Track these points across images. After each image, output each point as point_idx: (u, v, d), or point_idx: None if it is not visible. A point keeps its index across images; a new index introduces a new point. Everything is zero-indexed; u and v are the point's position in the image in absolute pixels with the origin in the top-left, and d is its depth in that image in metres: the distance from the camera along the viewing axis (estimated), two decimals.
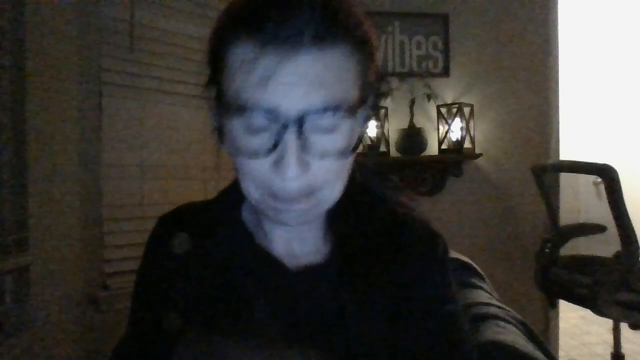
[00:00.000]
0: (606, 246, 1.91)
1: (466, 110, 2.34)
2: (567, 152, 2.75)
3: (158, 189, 1.73)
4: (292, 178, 0.46)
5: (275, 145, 0.46)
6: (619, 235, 1.77)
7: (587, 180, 3.92)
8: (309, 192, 0.49)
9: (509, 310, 0.90)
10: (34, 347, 1.32)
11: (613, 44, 3.93)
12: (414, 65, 2.45)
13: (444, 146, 2.40)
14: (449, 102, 2.43)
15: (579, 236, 2.22)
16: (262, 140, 0.47)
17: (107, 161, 1.60)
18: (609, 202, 1.77)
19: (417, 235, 0.62)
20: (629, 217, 1.75)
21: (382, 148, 2.31)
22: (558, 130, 2.60)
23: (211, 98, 0.53)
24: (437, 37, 2.47)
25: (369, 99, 0.52)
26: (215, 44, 0.51)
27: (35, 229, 1.34)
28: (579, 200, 3.94)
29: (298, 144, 0.46)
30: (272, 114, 0.45)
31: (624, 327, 2.04)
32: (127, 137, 1.65)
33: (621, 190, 1.74)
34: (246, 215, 0.61)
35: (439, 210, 2.44)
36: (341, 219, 0.58)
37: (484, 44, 2.51)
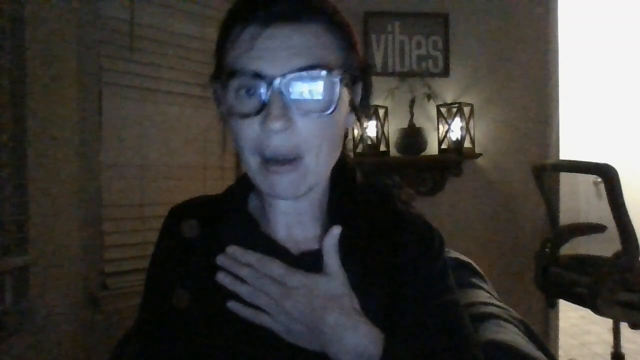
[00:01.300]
0: (606, 246, 1.91)
1: (466, 110, 2.34)
2: (567, 152, 2.75)
3: (158, 189, 1.73)
4: (277, 131, 0.52)
5: (262, 104, 0.53)
6: (619, 235, 1.77)
7: (587, 180, 3.91)
8: (295, 155, 0.55)
9: (509, 310, 0.91)
10: (34, 347, 1.32)
11: (613, 44, 3.93)
12: (414, 65, 2.45)
13: (443, 146, 2.40)
14: (448, 101, 2.43)
15: (578, 236, 2.22)
16: (251, 102, 0.54)
17: (107, 161, 1.60)
18: (609, 201, 1.77)
19: (414, 228, 0.66)
20: (628, 217, 1.75)
21: (382, 148, 2.31)
22: (558, 130, 2.60)
23: (216, 89, 0.60)
24: (437, 36, 2.47)
25: (350, 70, 0.58)
26: (219, 37, 0.59)
27: (35, 229, 1.34)
28: (579, 200, 3.94)
29: (281, 101, 0.52)
30: (258, 75, 0.53)
31: (623, 326, 2.04)
32: (127, 137, 1.65)
33: (621, 190, 1.74)
34: (252, 206, 0.66)
35: (439, 210, 2.44)
36: (340, 209, 0.63)
37: (484, 44, 2.51)
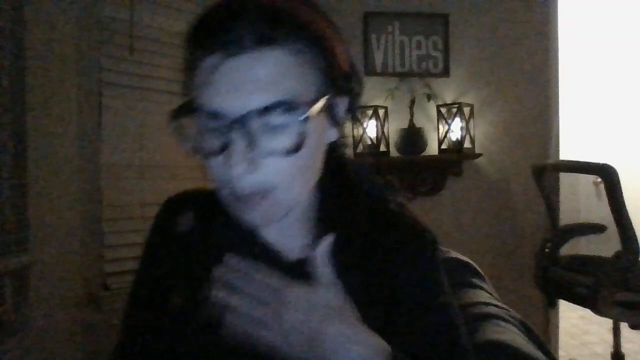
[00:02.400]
0: (606, 246, 1.91)
1: (466, 110, 2.34)
2: (567, 152, 2.75)
3: (158, 189, 1.72)
4: (240, 175, 0.49)
5: (224, 144, 0.49)
6: (619, 235, 1.77)
7: (587, 180, 3.91)
8: (264, 192, 0.51)
9: (509, 310, 0.91)
10: (34, 347, 1.32)
11: (613, 44, 3.93)
12: (414, 65, 2.45)
13: (443, 146, 2.40)
14: (448, 102, 2.43)
15: (578, 236, 2.22)
16: (213, 140, 0.50)
17: (107, 161, 1.60)
18: (608, 201, 1.77)
19: (406, 232, 0.63)
20: (628, 217, 1.75)
21: (382, 148, 2.31)
22: (558, 130, 2.60)
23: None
24: (437, 37, 2.47)
25: (332, 98, 0.53)
26: (184, 58, 0.55)
27: (35, 229, 1.34)
28: (579, 200, 3.93)
29: (243, 142, 0.48)
30: (217, 114, 0.48)
31: (624, 326, 2.04)
32: (127, 137, 1.65)
33: (621, 190, 1.74)
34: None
35: (439, 210, 2.44)
36: (331, 216, 0.60)
37: (484, 44, 2.51)
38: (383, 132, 2.30)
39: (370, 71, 2.41)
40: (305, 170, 0.54)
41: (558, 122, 2.61)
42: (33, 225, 1.33)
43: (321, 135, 0.55)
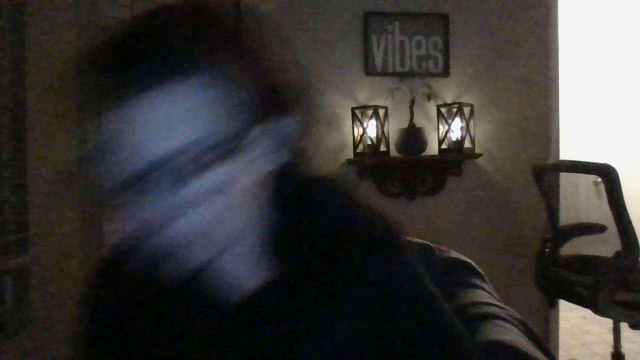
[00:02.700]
0: (606, 246, 1.91)
1: (466, 110, 2.34)
2: (567, 152, 2.75)
3: None
4: (164, 222, 0.43)
5: (143, 189, 0.43)
6: (619, 235, 1.77)
7: (587, 180, 3.91)
8: (192, 238, 0.45)
9: (509, 310, 0.90)
10: (34, 347, 1.32)
11: (613, 44, 3.93)
12: (414, 65, 2.45)
13: (444, 146, 2.40)
14: (449, 101, 2.43)
15: (579, 236, 2.22)
16: (130, 186, 0.44)
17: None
18: (609, 202, 1.77)
19: (363, 242, 0.54)
20: (629, 217, 1.75)
21: (382, 148, 2.31)
22: (558, 130, 2.60)
23: None
24: (437, 37, 2.47)
25: (264, 124, 0.47)
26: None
27: (35, 229, 1.34)
28: (579, 200, 3.94)
29: (165, 185, 0.42)
30: (123, 169, 0.43)
31: (624, 326, 2.04)
32: None
33: (621, 190, 1.74)
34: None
35: (439, 210, 2.44)
36: (291, 239, 0.53)
37: (484, 44, 2.51)
38: (383, 132, 2.30)
39: (371, 71, 2.41)
40: (240, 206, 0.47)
41: (558, 122, 2.61)
42: (33, 225, 1.33)
43: (261, 163, 0.48)
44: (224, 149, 0.43)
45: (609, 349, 2.23)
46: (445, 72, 2.47)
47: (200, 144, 0.42)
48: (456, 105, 2.35)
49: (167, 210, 0.43)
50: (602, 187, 1.89)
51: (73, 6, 1.49)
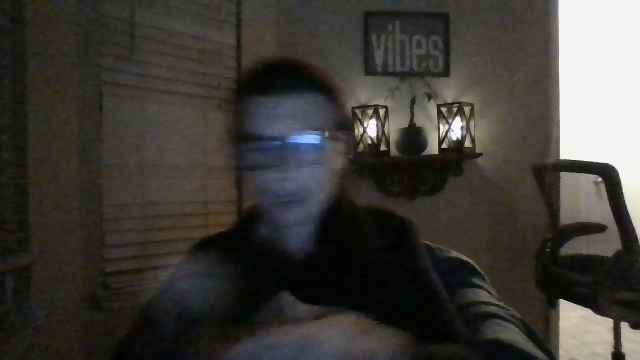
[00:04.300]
0: (606, 246, 1.91)
1: (467, 109, 2.34)
2: (568, 151, 2.75)
3: (158, 189, 1.73)
4: (288, 180, 0.68)
5: (273, 160, 0.68)
6: (620, 234, 1.77)
7: (588, 180, 3.91)
8: (300, 198, 0.70)
9: (509, 310, 0.91)
10: (34, 347, 1.32)
11: (613, 44, 3.93)
12: (415, 64, 2.45)
13: (444, 146, 2.40)
14: (449, 101, 2.43)
15: (579, 236, 2.21)
16: (264, 158, 0.69)
17: (107, 161, 1.60)
18: (609, 201, 1.77)
19: (387, 222, 0.81)
20: (629, 217, 1.75)
21: (383, 148, 2.31)
22: (558, 129, 2.60)
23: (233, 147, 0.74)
24: (438, 36, 2.47)
25: (339, 133, 0.74)
26: (234, 105, 0.74)
27: (35, 229, 1.34)
28: (580, 200, 3.93)
29: (287, 157, 0.68)
30: (270, 138, 0.68)
31: (624, 326, 2.04)
32: (127, 137, 1.66)
33: (622, 190, 1.74)
34: (260, 229, 0.80)
35: (439, 210, 2.44)
36: (327, 223, 0.77)
37: (484, 43, 2.51)
38: (384, 131, 2.30)
39: (371, 71, 2.41)
40: (325, 184, 0.73)
41: (559, 121, 2.60)
42: (33, 225, 1.33)
43: (337, 159, 0.75)
44: (324, 138, 0.70)
45: (609, 348, 2.22)
46: (446, 72, 2.47)
47: (314, 131, 0.69)
48: (457, 105, 2.35)
49: (292, 173, 0.68)
50: (602, 187, 1.89)
51: (73, 6, 1.49)
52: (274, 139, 0.68)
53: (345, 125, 0.76)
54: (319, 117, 0.71)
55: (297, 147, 0.69)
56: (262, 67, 0.73)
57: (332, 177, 0.74)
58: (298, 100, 0.70)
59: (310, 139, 0.69)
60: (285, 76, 0.71)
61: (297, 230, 0.76)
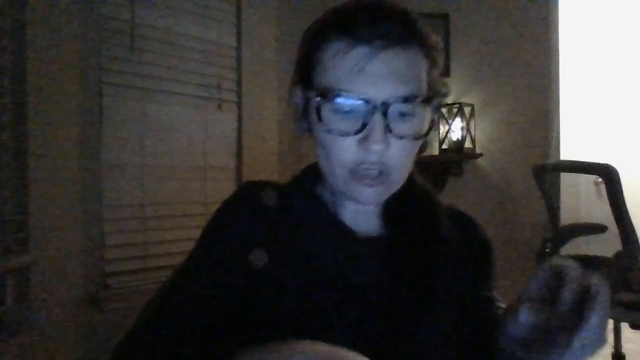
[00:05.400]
0: (606, 246, 1.91)
1: (467, 110, 2.34)
2: (568, 152, 2.75)
3: (158, 189, 1.73)
4: (375, 152, 0.56)
5: (364, 125, 0.55)
6: (620, 235, 1.77)
7: (588, 180, 3.90)
8: (383, 172, 0.58)
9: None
10: (34, 347, 1.32)
11: (613, 44, 3.92)
12: None
13: (444, 146, 2.40)
14: (449, 101, 2.42)
15: (579, 236, 2.21)
16: (351, 122, 0.56)
17: (107, 161, 1.60)
18: (609, 202, 1.77)
19: (467, 225, 0.75)
20: (629, 217, 1.75)
21: None
22: (559, 130, 2.60)
23: (297, 97, 0.63)
24: (437, 36, 2.46)
25: (435, 96, 0.62)
26: (309, 46, 0.61)
27: (35, 229, 1.34)
28: (580, 200, 3.93)
29: (382, 124, 0.55)
30: (363, 99, 0.55)
31: (624, 326, 2.04)
32: (127, 137, 1.66)
33: (622, 190, 1.74)
34: (321, 192, 0.68)
35: None
36: (394, 204, 0.67)
37: (484, 44, 2.51)
38: None
39: None
40: (412, 160, 0.62)
41: (559, 122, 2.60)
42: (33, 225, 1.33)
43: (427, 126, 0.61)
44: (425, 104, 0.58)
45: (609, 348, 2.22)
46: (446, 72, 2.47)
47: (416, 96, 0.57)
48: (457, 105, 2.35)
49: (382, 144, 0.55)
50: (602, 187, 1.89)
51: (73, 6, 1.49)
52: (367, 100, 0.55)
53: (442, 92, 0.65)
54: (424, 80, 0.59)
55: (397, 115, 0.57)
56: (360, 5, 0.58)
57: (415, 153, 0.62)
58: (403, 52, 0.56)
59: (415, 106, 0.57)
60: (389, 22, 0.56)
61: (366, 207, 0.65)
